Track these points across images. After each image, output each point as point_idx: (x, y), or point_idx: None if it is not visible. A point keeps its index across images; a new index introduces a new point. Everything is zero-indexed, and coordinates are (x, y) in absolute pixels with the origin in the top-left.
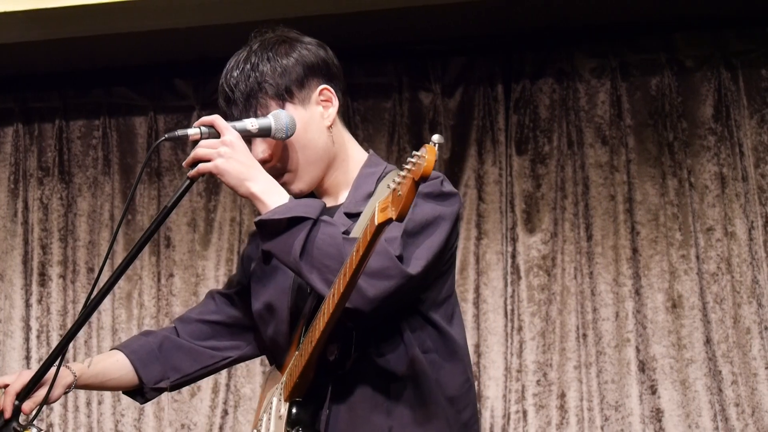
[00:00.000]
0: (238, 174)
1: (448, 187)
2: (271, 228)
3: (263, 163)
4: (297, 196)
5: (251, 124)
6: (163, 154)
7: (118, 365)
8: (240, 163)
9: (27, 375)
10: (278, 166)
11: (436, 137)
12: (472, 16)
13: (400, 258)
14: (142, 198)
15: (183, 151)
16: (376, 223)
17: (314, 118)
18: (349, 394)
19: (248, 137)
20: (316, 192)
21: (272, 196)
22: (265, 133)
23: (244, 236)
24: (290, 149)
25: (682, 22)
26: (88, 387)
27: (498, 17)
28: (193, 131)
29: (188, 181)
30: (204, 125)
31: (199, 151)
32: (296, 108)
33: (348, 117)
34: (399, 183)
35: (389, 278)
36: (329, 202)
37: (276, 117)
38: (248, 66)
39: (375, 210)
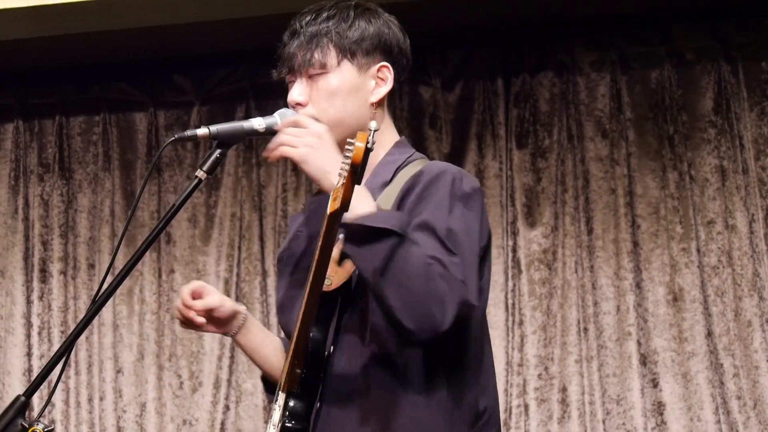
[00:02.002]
0: (323, 166)
1: (467, 183)
2: (358, 235)
3: (297, 105)
4: None
5: (258, 123)
6: (164, 150)
7: (272, 344)
8: (326, 156)
9: (216, 296)
10: (310, 111)
11: (372, 124)
12: (472, 10)
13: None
14: (142, 195)
15: (183, 147)
16: (328, 212)
17: (363, 88)
18: (342, 392)
19: (253, 133)
20: None
21: (356, 198)
22: (271, 131)
23: (245, 231)
24: (328, 101)
25: (681, 15)
26: (246, 342)
27: (497, 10)
28: (202, 131)
29: (197, 180)
30: (287, 124)
31: (284, 137)
32: (351, 69)
33: None
34: (345, 170)
35: (459, 307)
36: None
37: (282, 116)
38: (328, 14)
39: (329, 199)
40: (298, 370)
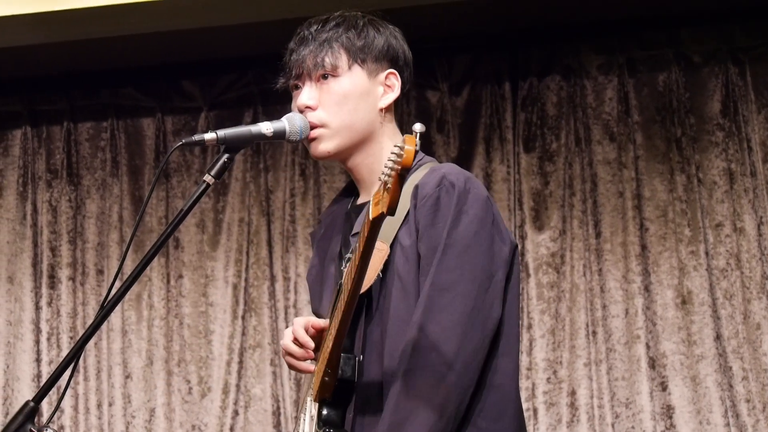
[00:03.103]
0: None
1: (471, 205)
2: None
3: (307, 108)
4: (321, 156)
5: (266, 128)
6: (172, 156)
7: None
8: None
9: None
10: (320, 115)
11: (417, 126)
12: (479, 13)
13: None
14: (150, 200)
15: (191, 152)
16: (371, 217)
17: (372, 93)
18: (374, 400)
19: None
20: (354, 180)
21: None
22: (279, 136)
23: (253, 236)
24: (339, 105)
25: (689, 18)
26: None
27: (504, 14)
28: (209, 136)
29: (204, 184)
30: None
31: None
32: (362, 73)
33: None
34: (387, 175)
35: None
36: (364, 195)
37: (290, 120)
38: (336, 22)
39: (370, 204)
40: (327, 378)
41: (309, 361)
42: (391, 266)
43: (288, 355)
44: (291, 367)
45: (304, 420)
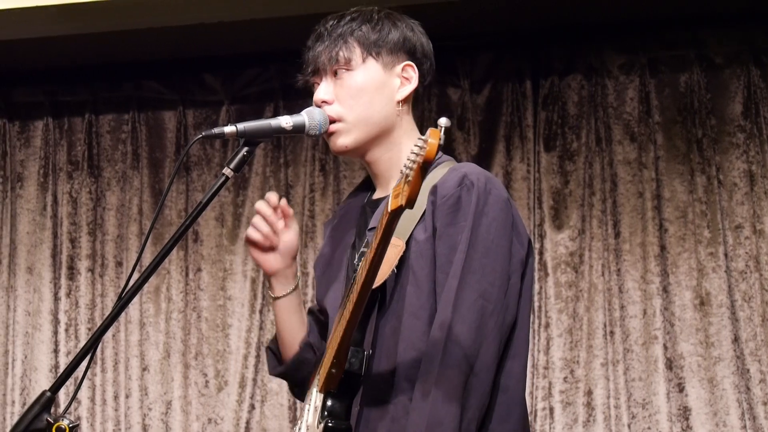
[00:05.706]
0: None
1: (491, 206)
2: None
3: (323, 103)
4: (340, 151)
5: (285, 122)
6: (192, 149)
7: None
8: None
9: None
10: (336, 109)
11: (442, 120)
12: (501, 12)
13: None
14: (170, 193)
15: (212, 146)
16: (389, 209)
17: (388, 85)
18: (382, 394)
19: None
20: (371, 176)
21: None
22: (299, 129)
23: None
24: (355, 99)
25: (712, 18)
26: (286, 310)
27: (526, 12)
28: (229, 129)
29: (224, 177)
30: None
31: None
32: (377, 66)
33: None
34: (409, 168)
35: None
36: (380, 191)
37: (309, 114)
38: (352, 17)
39: (389, 196)
40: (334, 370)
41: (286, 285)
42: (406, 262)
43: (252, 245)
44: (256, 260)
45: (308, 411)
